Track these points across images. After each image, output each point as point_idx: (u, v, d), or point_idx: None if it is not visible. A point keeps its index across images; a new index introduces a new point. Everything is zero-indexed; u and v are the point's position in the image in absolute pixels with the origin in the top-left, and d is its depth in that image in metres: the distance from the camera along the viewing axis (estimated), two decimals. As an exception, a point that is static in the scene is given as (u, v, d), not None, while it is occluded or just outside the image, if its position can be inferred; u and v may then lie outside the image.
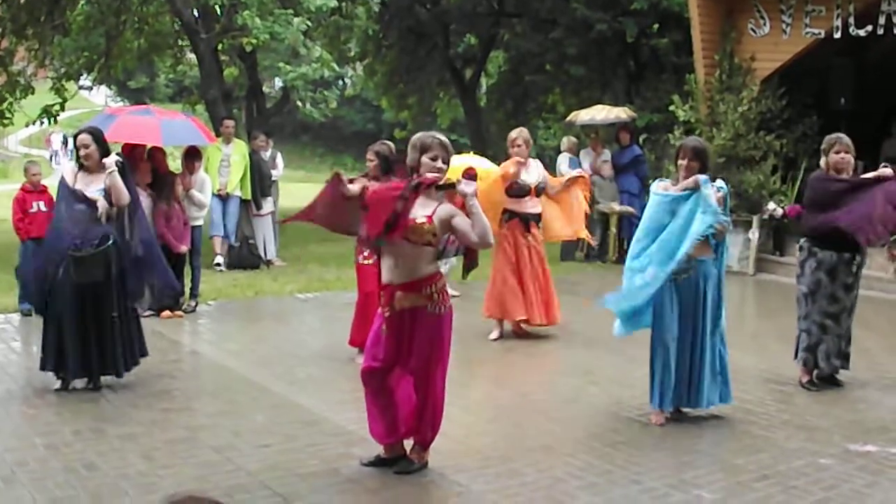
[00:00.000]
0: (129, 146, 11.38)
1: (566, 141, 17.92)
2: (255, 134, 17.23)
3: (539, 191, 10.73)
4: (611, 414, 8.03)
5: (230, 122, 16.29)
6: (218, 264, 15.55)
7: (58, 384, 8.39)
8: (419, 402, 6.41)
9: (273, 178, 16.56)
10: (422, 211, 6.20)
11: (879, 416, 8.11)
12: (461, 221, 6.11)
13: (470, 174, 6.28)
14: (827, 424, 7.83)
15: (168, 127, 11.98)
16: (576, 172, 11.99)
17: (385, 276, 6.38)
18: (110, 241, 8.28)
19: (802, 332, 8.81)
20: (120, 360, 8.41)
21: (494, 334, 10.83)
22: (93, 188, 8.32)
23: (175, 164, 12.33)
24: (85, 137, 8.45)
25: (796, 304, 8.96)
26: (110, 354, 8.35)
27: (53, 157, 36.07)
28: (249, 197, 15.84)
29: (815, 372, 8.92)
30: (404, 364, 6.36)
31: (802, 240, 8.89)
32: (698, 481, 6.44)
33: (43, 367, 8.44)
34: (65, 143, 38.34)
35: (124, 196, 8.30)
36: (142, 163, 11.46)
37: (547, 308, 10.82)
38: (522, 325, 10.91)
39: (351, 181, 6.69)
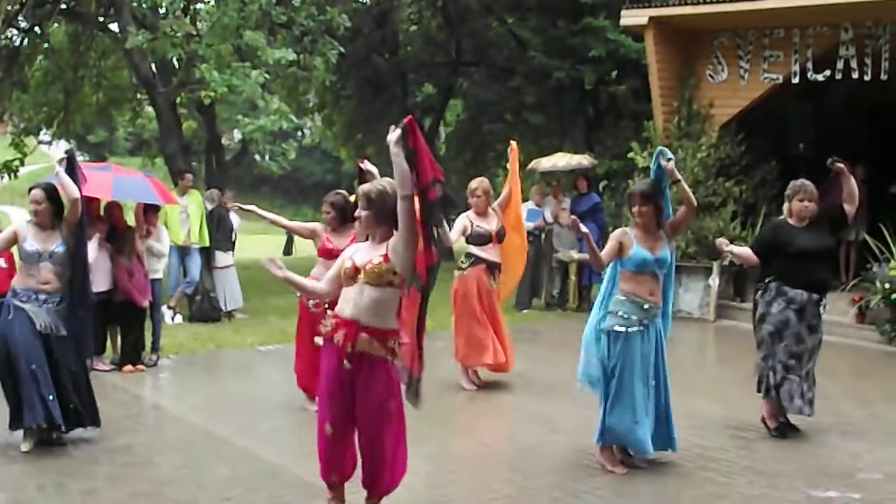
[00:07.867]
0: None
1: (534, 190, 17.79)
2: (224, 192, 17.25)
3: (500, 237, 10.65)
4: (572, 462, 8.02)
5: (189, 176, 16.29)
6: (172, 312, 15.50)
7: (25, 446, 8.14)
8: (369, 452, 6.17)
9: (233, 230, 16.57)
10: (376, 252, 6.09)
11: (841, 462, 8.15)
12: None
13: (406, 123, 6.01)
14: (788, 470, 7.86)
15: (120, 183, 11.86)
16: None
17: (351, 311, 6.07)
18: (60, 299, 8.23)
19: (768, 372, 8.68)
20: (82, 412, 8.28)
21: (469, 385, 10.72)
22: (51, 245, 8.21)
23: (130, 217, 12.24)
24: (37, 193, 8.28)
25: (758, 344, 8.86)
26: (70, 407, 8.19)
27: None
28: (207, 244, 15.77)
29: (779, 417, 8.88)
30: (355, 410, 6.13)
31: (768, 279, 8.78)
32: (661, 529, 6.45)
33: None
34: None
35: (72, 190, 8.12)
36: (97, 219, 11.36)
37: (506, 353, 10.68)
38: (480, 372, 10.83)
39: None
